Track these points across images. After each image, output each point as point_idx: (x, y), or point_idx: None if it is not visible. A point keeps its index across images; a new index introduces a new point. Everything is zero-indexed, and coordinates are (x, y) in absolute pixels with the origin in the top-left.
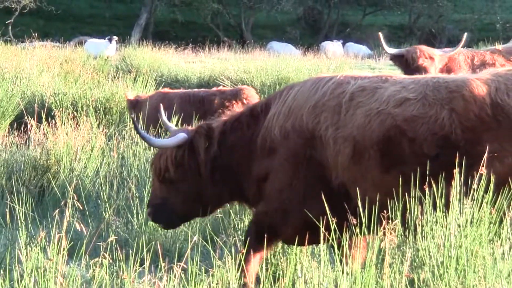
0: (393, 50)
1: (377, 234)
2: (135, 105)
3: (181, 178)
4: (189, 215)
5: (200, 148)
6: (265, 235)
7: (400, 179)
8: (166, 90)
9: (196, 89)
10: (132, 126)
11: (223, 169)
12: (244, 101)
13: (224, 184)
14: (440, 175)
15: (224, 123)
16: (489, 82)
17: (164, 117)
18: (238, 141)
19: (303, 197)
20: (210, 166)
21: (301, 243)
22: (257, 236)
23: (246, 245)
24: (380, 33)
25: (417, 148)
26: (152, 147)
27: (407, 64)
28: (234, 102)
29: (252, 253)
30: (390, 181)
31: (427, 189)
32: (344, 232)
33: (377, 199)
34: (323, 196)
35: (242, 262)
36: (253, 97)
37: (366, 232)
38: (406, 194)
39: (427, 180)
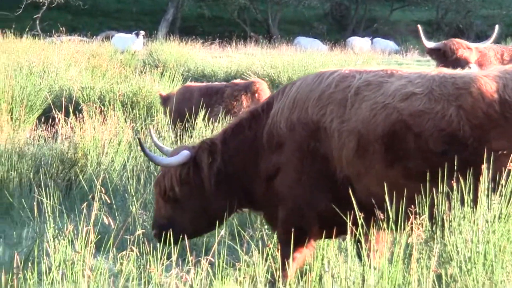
0: (431, 44)
1: (378, 230)
2: (166, 100)
3: (187, 195)
4: (197, 232)
5: (204, 163)
6: (298, 238)
7: (404, 174)
8: (191, 84)
9: (216, 83)
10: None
11: (229, 179)
12: (255, 94)
13: (231, 194)
14: (447, 172)
15: (224, 132)
16: (497, 79)
17: (156, 140)
18: (241, 145)
19: (310, 191)
20: (214, 181)
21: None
22: (294, 245)
23: (282, 258)
24: (419, 26)
25: (422, 144)
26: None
27: (446, 56)
28: (244, 93)
29: (292, 265)
30: (393, 176)
31: (454, 184)
32: (353, 226)
33: (380, 194)
34: (330, 188)
35: (280, 274)
36: (264, 91)
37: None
38: (411, 189)
39: (427, 175)
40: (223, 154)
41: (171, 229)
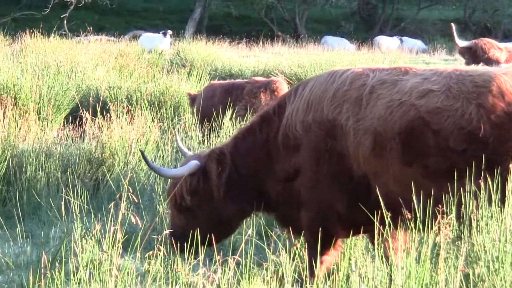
0: (463, 43)
1: (395, 228)
2: (194, 100)
3: (198, 204)
4: (211, 238)
5: (213, 173)
6: (325, 239)
7: (422, 172)
8: (215, 82)
9: (238, 80)
10: (144, 159)
11: (243, 181)
12: (275, 92)
13: (244, 199)
14: (467, 170)
15: (235, 137)
16: None
17: (180, 143)
18: (252, 147)
19: (329, 191)
20: (224, 190)
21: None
22: (321, 247)
23: (309, 260)
24: (452, 24)
25: (442, 141)
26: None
27: (477, 56)
28: (263, 91)
29: (320, 266)
30: (412, 174)
31: (482, 183)
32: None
33: (398, 192)
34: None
35: (308, 274)
36: (283, 90)
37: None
38: (429, 188)
39: (446, 174)
40: (234, 158)
41: (185, 237)
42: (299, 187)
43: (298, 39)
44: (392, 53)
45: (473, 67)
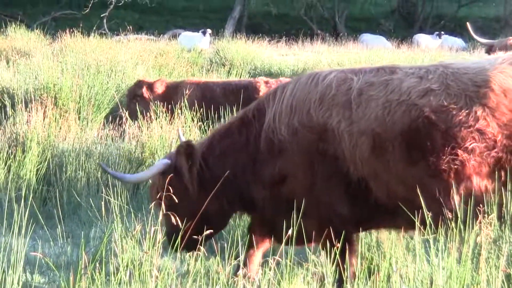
0: (483, 40)
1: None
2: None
3: (176, 203)
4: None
5: (183, 167)
6: (339, 239)
7: (428, 171)
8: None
9: (282, 78)
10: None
11: (216, 182)
12: None
13: (222, 198)
14: (477, 168)
15: (212, 137)
16: None
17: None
18: (230, 148)
19: (326, 194)
20: (197, 183)
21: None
22: (340, 246)
23: (336, 257)
24: (468, 23)
25: (450, 140)
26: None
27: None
28: None
29: (346, 260)
30: (416, 174)
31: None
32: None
33: (401, 192)
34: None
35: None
36: None
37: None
38: (436, 187)
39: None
40: (207, 158)
41: (175, 236)
42: (288, 193)
43: (337, 38)
44: (432, 51)
45: (459, 62)
